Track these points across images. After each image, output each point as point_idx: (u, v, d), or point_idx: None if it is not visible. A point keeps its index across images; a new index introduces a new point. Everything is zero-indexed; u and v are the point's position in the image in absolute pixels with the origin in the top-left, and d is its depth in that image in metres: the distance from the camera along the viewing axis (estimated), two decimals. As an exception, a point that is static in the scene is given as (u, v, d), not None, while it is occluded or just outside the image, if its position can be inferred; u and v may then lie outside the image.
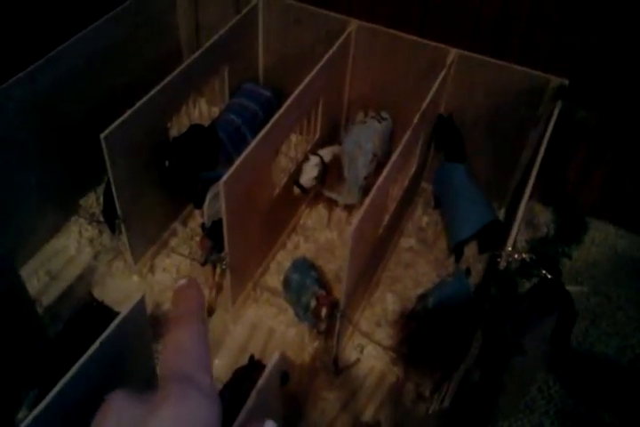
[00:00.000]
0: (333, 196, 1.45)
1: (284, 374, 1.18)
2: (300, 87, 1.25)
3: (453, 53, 1.33)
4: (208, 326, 0.43)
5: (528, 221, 1.55)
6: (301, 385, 1.25)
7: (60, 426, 0.80)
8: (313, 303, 1.20)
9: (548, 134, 1.19)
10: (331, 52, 1.34)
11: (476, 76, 1.35)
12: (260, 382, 0.80)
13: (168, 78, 1.25)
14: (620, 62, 1.30)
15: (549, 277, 0.91)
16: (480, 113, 1.42)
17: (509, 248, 0.92)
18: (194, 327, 0.40)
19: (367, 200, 1.04)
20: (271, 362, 0.81)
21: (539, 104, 1.33)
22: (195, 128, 1.35)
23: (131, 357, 0.94)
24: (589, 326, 1.38)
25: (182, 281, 0.48)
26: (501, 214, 1.54)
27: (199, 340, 0.39)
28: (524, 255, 0.93)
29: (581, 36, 1.30)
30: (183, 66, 1.29)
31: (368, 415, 1.22)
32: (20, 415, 0.93)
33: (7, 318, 1.04)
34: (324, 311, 1.19)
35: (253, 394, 0.79)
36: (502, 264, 0.92)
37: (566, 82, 1.27)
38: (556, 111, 1.23)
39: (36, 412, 0.72)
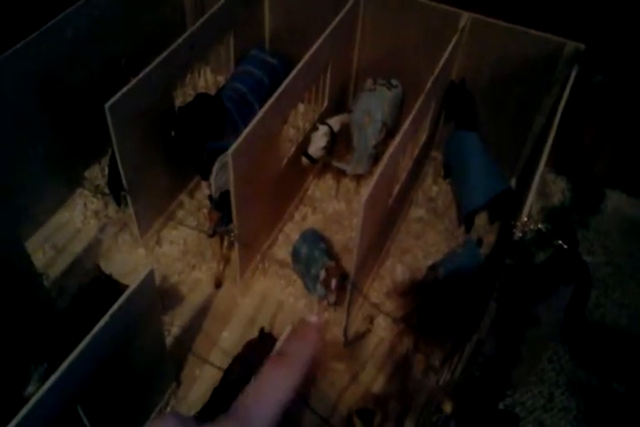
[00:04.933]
0: (342, 166, 1.43)
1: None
2: (308, 54, 1.22)
3: (466, 17, 1.29)
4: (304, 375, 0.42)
5: (540, 190, 1.52)
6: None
7: (72, 398, 0.79)
8: (322, 275, 1.18)
9: (563, 101, 1.15)
10: (339, 17, 1.30)
11: (490, 41, 1.31)
12: (272, 355, 0.79)
13: (172, 46, 1.21)
14: (637, 26, 1.26)
15: (565, 247, 0.89)
16: (493, 79, 1.38)
17: (525, 218, 0.90)
18: (293, 374, 0.39)
19: (379, 169, 1.01)
20: (283, 336, 0.80)
21: (554, 70, 1.30)
22: (200, 97, 1.31)
23: (140, 329, 0.93)
24: (601, 296, 1.36)
25: (313, 318, 0.47)
26: (512, 183, 1.51)
27: (287, 389, 0.39)
28: (539, 225, 0.91)
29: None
30: (187, 33, 1.26)
31: (378, 387, 1.21)
32: (30, 390, 0.93)
33: (14, 291, 1.03)
34: (333, 283, 1.17)
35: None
36: (518, 234, 0.90)
37: (582, 46, 1.23)
38: (572, 76, 1.20)
39: (46, 385, 0.72)
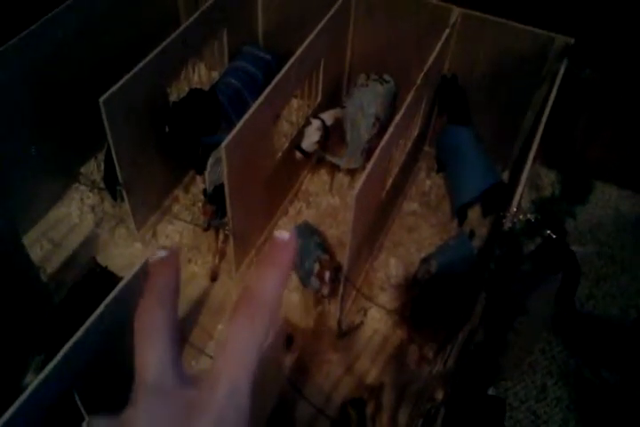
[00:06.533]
0: (335, 160, 1.44)
1: (289, 337, 1.20)
2: (301, 49, 1.23)
3: (457, 12, 1.30)
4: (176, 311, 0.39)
5: (532, 184, 1.54)
6: (306, 349, 1.25)
7: (66, 389, 0.80)
8: (316, 267, 1.20)
9: (553, 94, 1.17)
10: (331, 12, 1.31)
11: (480, 36, 1.33)
12: (264, 346, 0.80)
13: (166, 41, 1.23)
14: (626, 20, 1.28)
15: (554, 236, 0.90)
16: (484, 73, 1.39)
17: (514, 209, 0.92)
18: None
19: (370, 163, 1.03)
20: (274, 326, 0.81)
21: (543, 64, 1.31)
22: (194, 92, 1.33)
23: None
24: (593, 287, 1.38)
25: (161, 253, 0.42)
26: (505, 177, 1.53)
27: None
28: (528, 215, 0.92)
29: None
30: (181, 29, 1.27)
31: (372, 377, 1.23)
32: (27, 380, 0.94)
33: (12, 285, 1.04)
34: (327, 275, 1.19)
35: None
36: (507, 225, 0.91)
37: (572, 40, 1.25)
38: (562, 71, 1.21)
39: (43, 374, 0.73)
